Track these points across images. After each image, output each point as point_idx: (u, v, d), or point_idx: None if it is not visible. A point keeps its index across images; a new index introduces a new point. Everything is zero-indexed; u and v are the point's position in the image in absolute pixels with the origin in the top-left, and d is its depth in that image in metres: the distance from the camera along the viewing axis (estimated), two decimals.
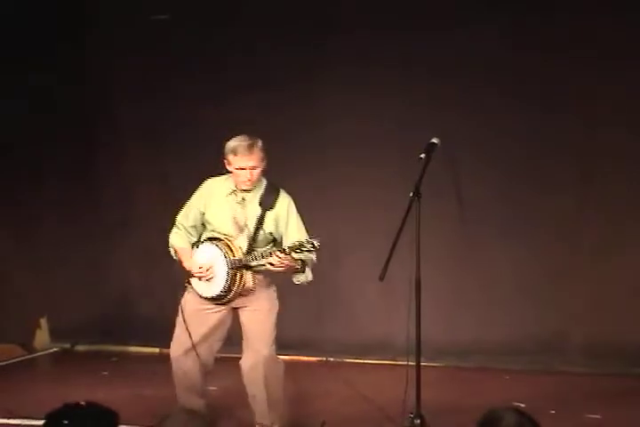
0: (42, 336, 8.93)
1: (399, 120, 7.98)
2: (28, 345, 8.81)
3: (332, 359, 8.30)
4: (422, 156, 5.67)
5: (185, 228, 5.79)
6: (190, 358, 5.73)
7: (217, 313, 5.74)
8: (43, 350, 8.86)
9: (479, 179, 7.96)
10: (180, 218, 5.83)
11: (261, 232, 5.63)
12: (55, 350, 8.90)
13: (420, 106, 7.94)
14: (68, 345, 8.90)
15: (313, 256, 5.59)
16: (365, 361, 8.19)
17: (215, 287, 5.62)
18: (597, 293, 7.78)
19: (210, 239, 5.69)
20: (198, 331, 5.73)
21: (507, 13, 7.78)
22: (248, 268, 5.59)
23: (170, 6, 8.44)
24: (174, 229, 5.84)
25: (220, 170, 5.77)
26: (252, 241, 5.61)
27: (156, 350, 8.52)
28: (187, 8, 8.39)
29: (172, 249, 5.85)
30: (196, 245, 5.79)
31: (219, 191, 5.70)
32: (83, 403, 3.44)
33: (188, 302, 5.77)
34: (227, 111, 8.11)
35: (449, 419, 6.15)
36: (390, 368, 7.54)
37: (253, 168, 5.54)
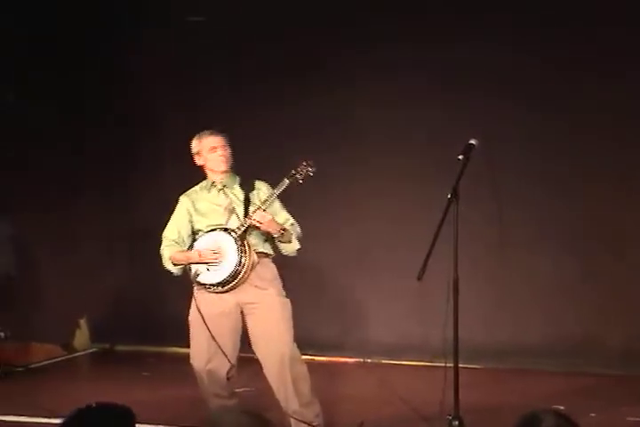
0: (81, 337, 8.99)
1: (437, 122, 7.97)
2: (67, 345, 8.87)
3: (369, 360, 8.29)
4: (460, 157, 5.66)
5: (175, 241, 5.84)
6: (213, 366, 5.70)
7: (232, 315, 5.72)
8: (82, 351, 8.93)
9: (517, 179, 7.94)
10: (167, 234, 5.89)
11: (251, 208, 5.70)
12: (95, 350, 8.96)
13: (459, 107, 7.92)
14: (107, 346, 8.96)
15: (298, 229, 5.79)
16: (403, 362, 8.17)
17: (228, 266, 5.62)
18: (636, 294, 7.72)
19: (206, 232, 5.76)
20: (221, 335, 5.69)
21: (539, 24, 7.76)
22: (246, 231, 5.65)
23: (205, 8, 8.46)
24: (163, 246, 5.88)
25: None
26: (245, 217, 5.69)
27: None
28: (222, 10, 8.40)
29: (169, 263, 5.86)
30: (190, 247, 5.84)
31: (198, 195, 5.88)
32: (93, 404, 3.46)
33: (203, 306, 5.70)
34: (263, 122, 8.14)
35: (487, 421, 6.12)
36: (428, 369, 7.53)
37: (224, 147, 5.79)
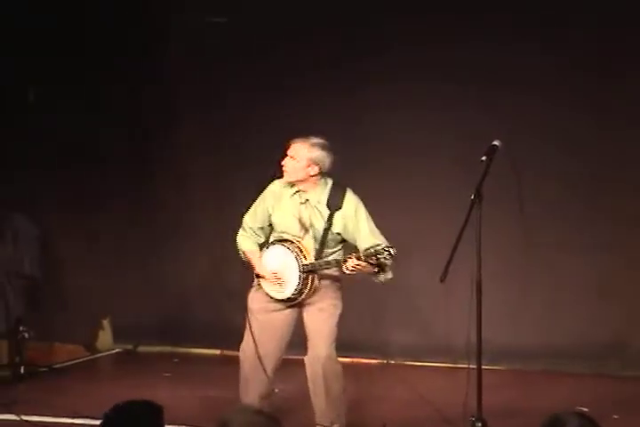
0: (104, 337, 9.00)
1: (461, 123, 7.94)
2: (90, 346, 8.88)
3: (392, 362, 8.28)
4: (484, 158, 5.64)
5: (252, 229, 5.79)
6: (257, 359, 5.69)
7: (283, 312, 5.72)
8: (105, 351, 8.93)
9: (541, 180, 7.90)
10: (247, 219, 5.84)
11: (330, 233, 5.61)
12: (117, 351, 8.97)
13: (482, 109, 7.90)
14: (130, 346, 8.96)
15: (393, 251, 5.48)
16: (426, 364, 8.16)
17: (286, 290, 5.62)
18: None
19: (279, 241, 5.69)
20: (266, 331, 5.71)
21: (570, 24, 7.72)
22: (319, 272, 5.59)
23: (231, 9, 8.47)
24: (241, 231, 5.85)
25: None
26: (322, 242, 5.61)
27: (217, 351, 8.58)
28: (248, 11, 8.42)
29: (241, 253, 5.86)
30: (265, 245, 5.78)
31: (284, 193, 5.73)
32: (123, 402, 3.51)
33: (256, 300, 5.75)
34: (286, 118, 8.13)
35: (511, 423, 6.11)
36: (451, 371, 7.51)
37: (292, 157, 5.62)
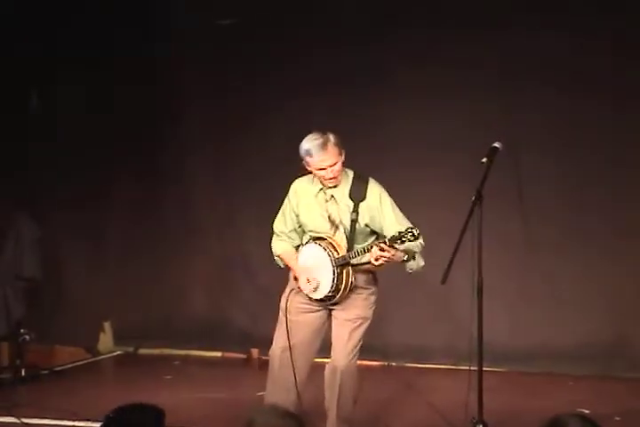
0: (106, 340, 9.00)
1: (463, 123, 7.94)
2: (92, 348, 8.87)
3: (393, 364, 8.27)
4: (484, 160, 5.64)
5: (284, 233, 5.72)
6: (286, 359, 5.61)
7: (317, 314, 5.66)
8: (106, 354, 8.92)
9: (542, 182, 7.91)
10: (277, 225, 5.76)
11: (358, 225, 5.53)
12: (118, 353, 8.96)
13: (484, 109, 7.90)
14: (131, 349, 8.96)
15: (419, 242, 5.40)
16: (427, 366, 8.15)
17: (323, 289, 5.54)
18: None
19: (313, 239, 5.60)
20: (299, 332, 5.63)
21: (578, 17, 7.71)
22: (352, 265, 5.48)
23: (238, 9, 8.48)
24: (274, 238, 5.77)
25: (295, 172, 5.76)
26: (351, 236, 5.52)
27: (218, 354, 8.57)
28: (255, 11, 8.42)
29: (276, 258, 5.79)
30: (301, 245, 5.71)
31: (307, 192, 5.63)
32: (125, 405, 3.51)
33: (293, 301, 5.66)
34: (292, 114, 8.13)
35: (512, 425, 6.12)
36: (453, 373, 7.50)
37: (332, 165, 5.44)
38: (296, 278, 5.65)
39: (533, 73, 7.86)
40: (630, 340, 7.74)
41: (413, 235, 5.19)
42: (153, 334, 8.79)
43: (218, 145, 8.71)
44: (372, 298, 5.67)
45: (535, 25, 7.79)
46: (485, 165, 5.62)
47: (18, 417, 6.39)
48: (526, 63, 7.86)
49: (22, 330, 7.77)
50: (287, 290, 5.72)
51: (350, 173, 5.61)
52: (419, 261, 5.54)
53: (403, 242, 5.23)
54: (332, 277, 5.47)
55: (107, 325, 9.00)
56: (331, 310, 5.66)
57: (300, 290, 5.64)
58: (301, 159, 5.48)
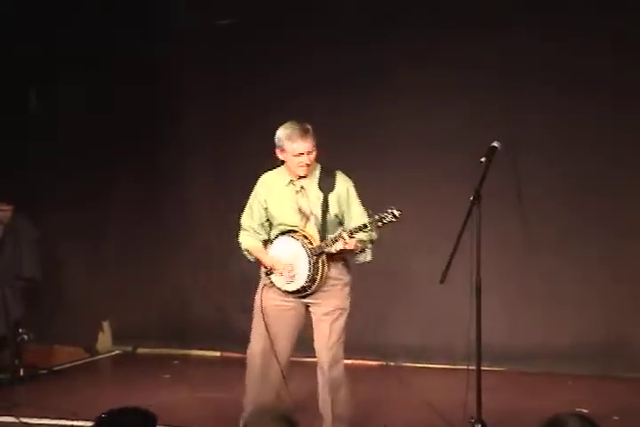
0: (104, 339, 9.01)
1: (463, 123, 7.94)
2: (90, 348, 8.89)
3: (392, 364, 8.27)
4: (483, 159, 5.64)
5: (252, 227, 5.73)
6: (267, 358, 5.64)
7: (294, 309, 5.68)
8: (105, 353, 8.94)
9: (541, 182, 7.91)
10: (244, 219, 5.79)
11: (328, 216, 5.57)
12: (117, 352, 8.97)
13: (483, 108, 7.90)
14: (129, 348, 8.97)
15: (374, 234, 5.53)
16: (426, 365, 8.15)
17: (299, 280, 5.56)
18: None
19: (284, 233, 5.63)
20: (277, 329, 5.65)
21: (578, 17, 7.72)
22: (326, 254, 5.51)
23: (238, 9, 8.48)
24: (242, 232, 5.79)
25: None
26: (323, 226, 5.56)
27: (217, 353, 8.58)
28: (254, 11, 8.42)
29: (245, 252, 5.80)
30: (269, 241, 5.72)
31: (276, 184, 5.67)
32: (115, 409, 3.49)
33: (266, 298, 5.68)
34: (292, 114, 8.10)
35: (510, 424, 6.11)
36: (451, 372, 7.50)
37: (310, 153, 5.52)
38: (267, 274, 5.67)
39: (533, 73, 7.86)
40: (629, 340, 7.74)
41: (394, 215, 5.32)
42: (152, 334, 8.80)
43: (218, 145, 8.72)
44: (347, 289, 5.69)
45: (535, 25, 7.79)
46: (484, 165, 5.62)
47: (17, 417, 6.39)
48: (526, 63, 7.86)
49: (21, 330, 7.79)
50: (260, 287, 5.73)
51: (318, 166, 5.66)
52: (367, 255, 5.64)
53: (384, 223, 5.34)
54: (307, 266, 5.50)
55: (105, 324, 9.00)
56: (307, 306, 5.68)
57: (273, 285, 5.65)
58: (275, 147, 5.57)
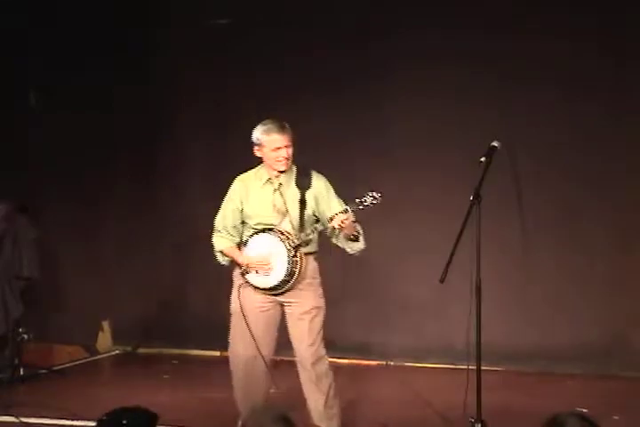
0: (104, 339, 9.00)
1: (463, 123, 7.94)
2: (90, 348, 8.87)
3: (392, 363, 8.27)
4: (483, 159, 5.63)
5: (226, 229, 5.76)
6: (251, 359, 5.69)
7: (272, 311, 5.72)
8: (105, 353, 8.93)
9: (540, 182, 7.91)
10: (218, 221, 5.81)
11: (306, 212, 5.62)
12: (117, 352, 8.97)
13: (482, 108, 7.90)
14: (129, 348, 8.96)
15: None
16: (426, 365, 8.15)
17: (277, 275, 5.60)
18: None
19: (259, 231, 5.67)
20: (259, 330, 5.69)
21: (578, 18, 7.73)
22: (304, 245, 5.58)
23: (232, 9, 8.46)
24: (216, 234, 5.81)
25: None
26: (300, 224, 5.60)
27: (217, 353, 8.55)
28: (249, 11, 8.41)
29: (218, 254, 5.82)
30: (243, 242, 5.75)
31: (253, 184, 5.73)
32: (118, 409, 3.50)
33: (245, 299, 5.71)
34: (293, 114, 8.10)
35: (510, 424, 6.09)
36: (451, 372, 7.50)
37: (288, 146, 5.58)
38: (243, 274, 5.68)
39: (533, 73, 7.86)
40: (628, 339, 7.75)
41: (374, 197, 5.38)
42: (151, 334, 8.80)
43: (217, 145, 8.71)
44: (321, 288, 5.74)
45: (535, 26, 7.78)
46: (484, 165, 5.61)
47: (17, 417, 6.37)
48: (526, 63, 7.85)
49: (21, 329, 7.76)
50: (235, 289, 5.76)
51: (294, 166, 5.72)
52: (361, 244, 5.66)
53: (365, 206, 5.38)
54: (286, 259, 5.54)
55: (105, 324, 8.99)
56: (283, 306, 5.70)
57: (248, 284, 5.67)
58: (253, 144, 5.63)
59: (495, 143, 5.71)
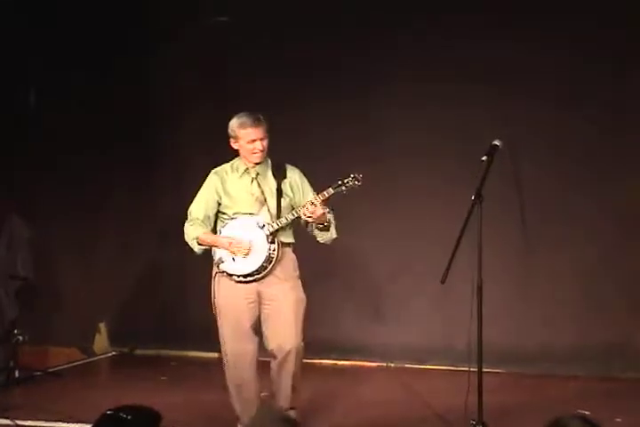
0: (101, 340, 8.98)
1: (463, 123, 7.92)
2: (87, 349, 8.85)
3: (392, 365, 8.24)
4: (484, 158, 5.60)
5: (199, 218, 5.80)
6: (240, 349, 5.72)
7: (253, 304, 5.71)
8: (102, 355, 8.90)
9: (541, 181, 7.89)
10: (193, 209, 5.85)
11: (283, 201, 5.71)
12: (114, 354, 8.95)
13: (482, 108, 7.88)
14: (126, 349, 8.94)
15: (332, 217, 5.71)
16: (427, 366, 8.12)
17: (256, 259, 5.62)
18: None
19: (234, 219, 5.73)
20: (247, 322, 5.72)
21: (578, 19, 7.70)
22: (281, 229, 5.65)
23: (239, 9, 8.44)
24: (189, 223, 5.84)
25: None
26: (277, 213, 5.67)
27: (215, 354, 8.49)
28: (246, 10, 8.39)
29: (193, 242, 5.81)
30: (218, 231, 5.78)
31: (230, 175, 5.81)
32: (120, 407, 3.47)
33: (228, 294, 5.71)
34: (293, 114, 8.09)
35: (511, 426, 6.07)
36: (452, 374, 7.47)
37: (262, 139, 5.69)
38: (217, 264, 5.69)
39: (533, 74, 7.84)
40: (630, 340, 7.72)
41: (355, 178, 5.49)
42: (149, 335, 8.78)
43: (217, 146, 8.64)
44: (300, 282, 5.78)
45: (535, 26, 7.77)
46: (485, 164, 5.59)
47: (12, 419, 6.33)
48: (526, 64, 7.83)
49: (16, 331, 7.71)
50: (214, 281, 5.75)
51: (268, 159, 5.82)
52: (332, 233, 5.74)
53: (347, 187, 5.48)
54: (265, 244, 5.60)
55: (102, 325, 8.98)
56: (263, 299, 5.70)
57: (224, 274, 5.68)
58: (229, 137, 5.76)
59: (497, 142, 5.70)
